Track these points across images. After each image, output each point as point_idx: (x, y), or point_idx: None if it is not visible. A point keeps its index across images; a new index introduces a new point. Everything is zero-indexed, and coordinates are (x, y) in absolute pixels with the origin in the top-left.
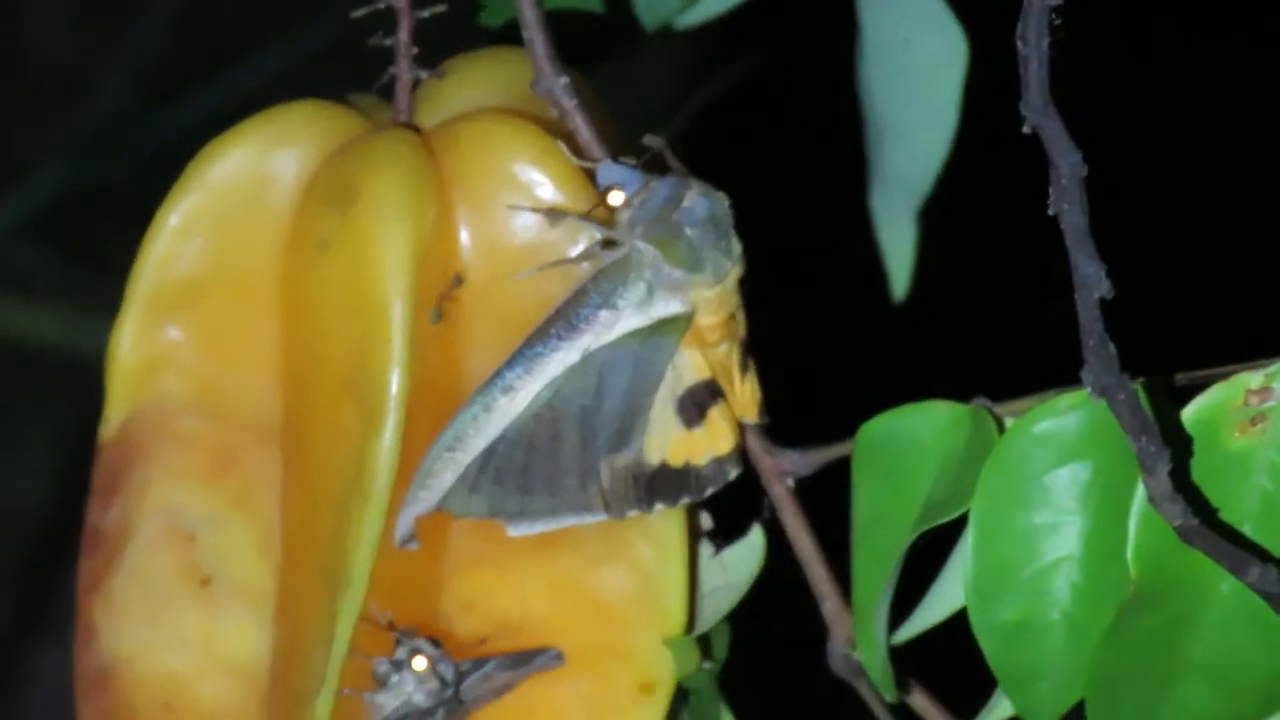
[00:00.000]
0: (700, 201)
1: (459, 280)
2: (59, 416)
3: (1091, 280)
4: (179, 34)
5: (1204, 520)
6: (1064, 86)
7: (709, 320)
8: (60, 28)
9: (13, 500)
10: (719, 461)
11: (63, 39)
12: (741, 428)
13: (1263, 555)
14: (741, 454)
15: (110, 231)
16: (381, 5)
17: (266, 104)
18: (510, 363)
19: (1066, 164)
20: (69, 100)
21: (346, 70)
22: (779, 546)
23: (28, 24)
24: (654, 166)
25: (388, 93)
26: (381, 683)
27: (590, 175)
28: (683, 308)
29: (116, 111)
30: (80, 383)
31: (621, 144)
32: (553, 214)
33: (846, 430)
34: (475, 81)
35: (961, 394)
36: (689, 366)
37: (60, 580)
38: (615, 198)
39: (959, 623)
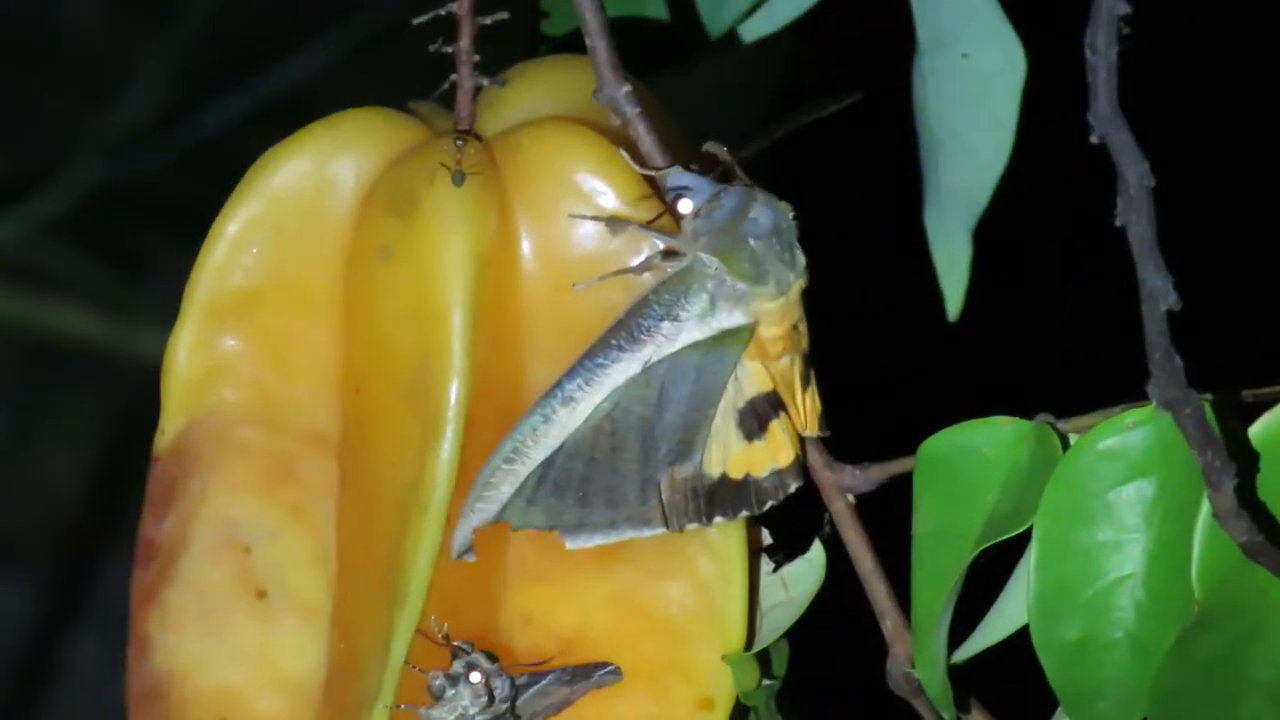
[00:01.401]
0: (765, 212)
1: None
2: (90, 412)
3: (1159, 293)
4: (215, 30)
5: (1269, 537)
6: (1129, 95)
7: (771, 332)
8: (96, 23)
9: (45, 494)
10: (779, 474)
11: (99, 34)
12: (802, 441)
13: None
14: (802, 467)
15: (144, 228)
16: (443, 11)
17: (303, 102)
18: (570, 374)
19: (1134, 174)
20: (104, 96)
21: (385, 69)
22: (839, 563)
23: (63, 19)
24: (719, 176)
25: (447, 100)
26: (437, 697)
27: (653, 184)
28: (745, 319)
29: (151, 108)
30: (112, 378)
31: (685, 153)
32: (614, 223)
33: (905, 446)
34: (537, 89)
35: (1023, 410)
36: (751, 378)
37: (93, 573)
38: (684, 205)
39: (1019, 641)
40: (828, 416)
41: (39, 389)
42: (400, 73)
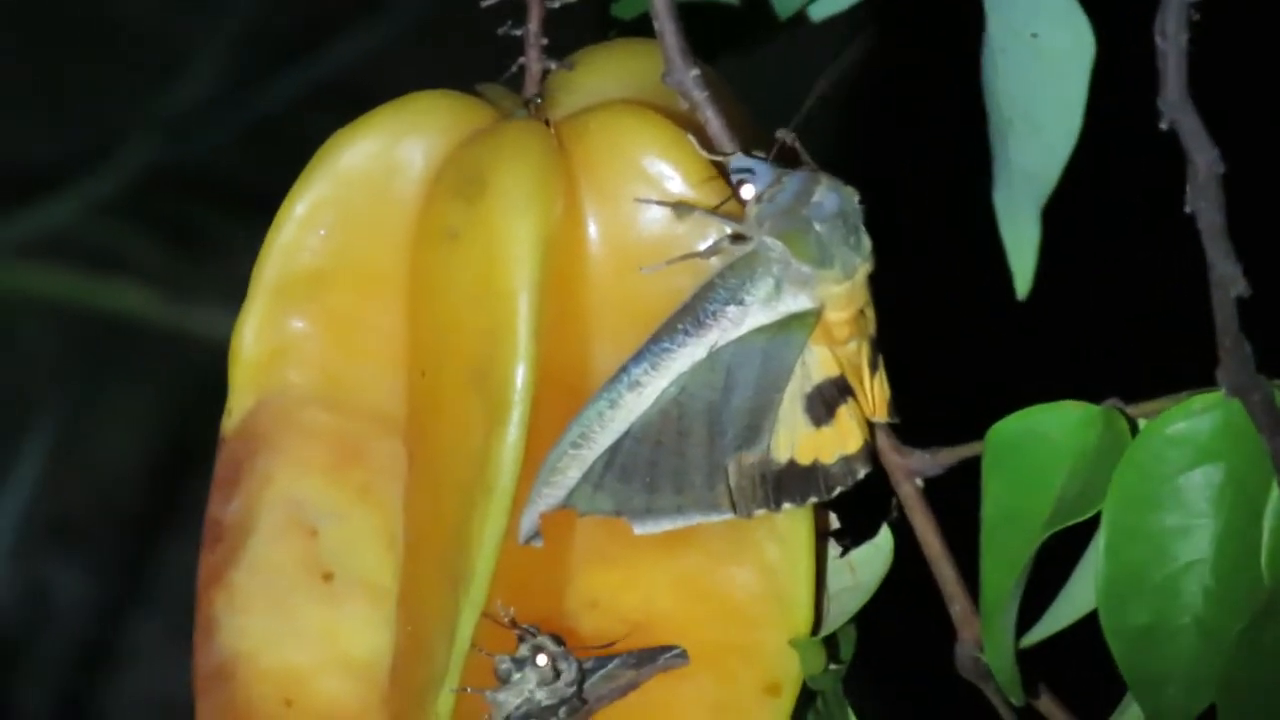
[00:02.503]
0: (830, 196)
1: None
2: (151, 392)
3: (1228, 279)
4: (274, 9)
5: None
6: (1199, 81)
7: (838, 316)
8: (154, 2)
9: (107, 473)
10: (847, 460)
11: (156, 14)
12: (870, 426)
13: None
14: (871, 453)
15: (202, 208)
16: None
17: (361, 82)
18: (637, 358)
19: (1204, 161)
20: (162, 76)
21: (443, 48)
22: (907, 547)
23: None
24: (785, 161)
25: (515, 83)
26: (503, 680)
27: (721, 169)
28: (811, 304)
29: (210, 87)
30: (171, 358)
31: (753, 137)
32: (681, 208)
33: (971, 429)
34: (605, 73)
35: (1091, 394)
36: (818, 363)
37: (156, 555)
38: (746, 191)
39: (1087, 625)
40: (896, 402)
41: (99, 369)
42: (459, 52)
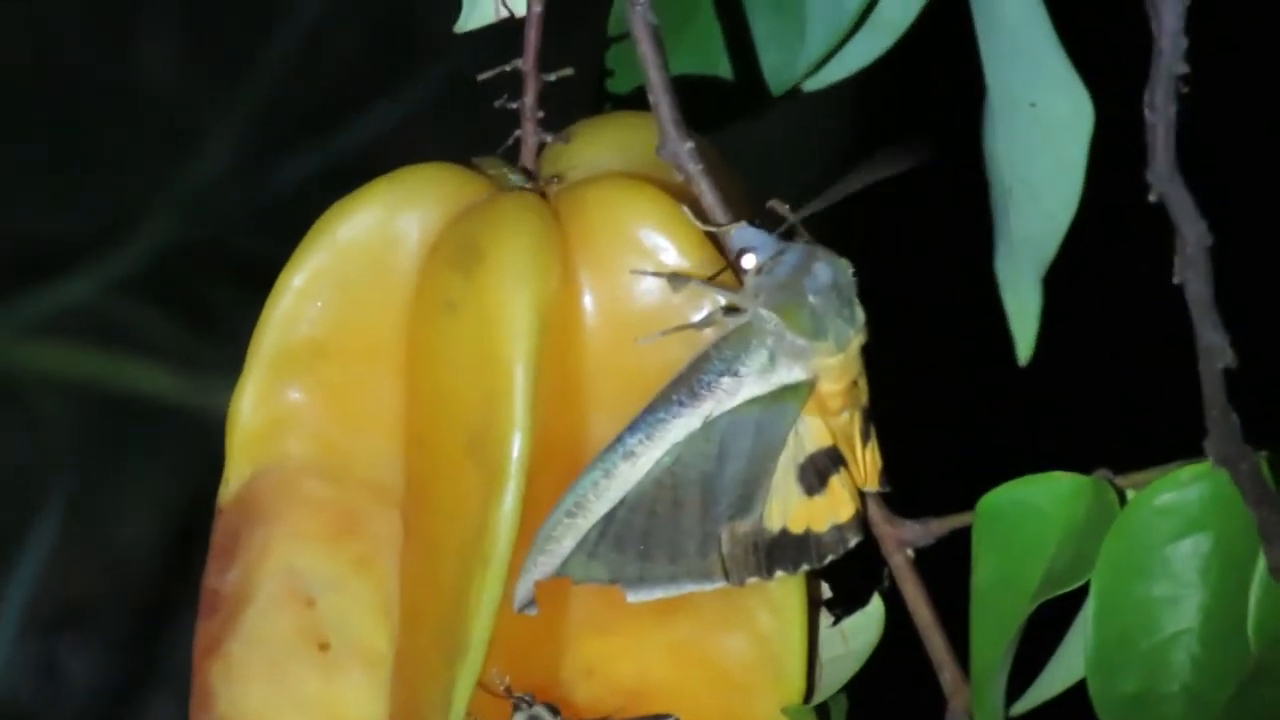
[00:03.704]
0: (824, 269)
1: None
2: (164, 469)
3: (1215, 350)
4: (289, 88)
5: None
6: (1190, 153)
7: (831, 388)
8: (171, 81)
9: (121, 552)
10: (840, 529)
11: (173, 92)
12: (862, 495)
13: None
14: (862, 522)
15: (218, 286)
16: (508, 68)
17: (376, 159)
18: (632, 428)
19: (1192, 233)
20: (178, 154)
21: (458, 126)
22: (898, 616)
23: (139, 77)
24: (774, 229)
25: (512, 155)
26: None
27: (715, 240)
28: (805, 375)
29: (225, 165)
30: (186, 435)
31: (748, 208)
32: (676, 279)
33: (965, 498)
34: (600, 145)
35: (1081, 464)
36: (811, 433)
37: (165, 632)
38: (747, 261)
39: (1077, 694)
40: (888, 472)
41: (112, 446)
42: (472, 129)
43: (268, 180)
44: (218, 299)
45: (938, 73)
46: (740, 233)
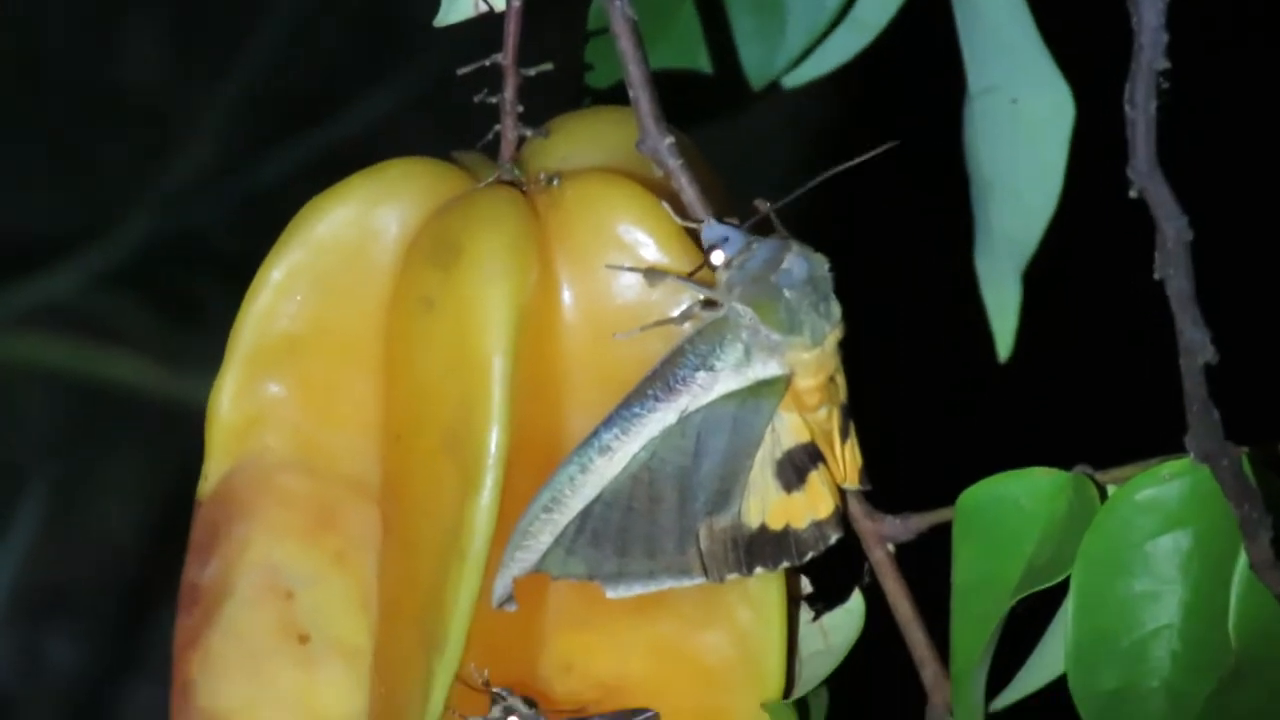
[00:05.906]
0: (799, 263)
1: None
2: (145, 461)
3: (1196, 346)
4: (272, 83)
5: None
6: (1170, 149)
7: (807, 383)
8: (154, 76)
9: (104, 541)
10: (819, 525)
11: (156, 87)
12: (842, 492)
13: None
14: (842, 518)
15: (199, 280)
16: (488, 63)
17: (358, 154)
18: (608, 423)
19: (1172, 228)
20: (161, 149)
21: (439, 121)
22: (878, 611)
23: (122, 72)
24: (759, 227)
25: (491, 150)
26: None
27: (694, 235)
28: (780, 370)
29: (208, 160)
30: (168, 429)
31: (727, 204)
32: (653, 274)
33: (946, 494)
34: (580, 140)
35: (1062, 459)
36: (788, 429)
37: (147, 622)
38: (717, 257)
39: (1057, 689)
40: (868, 467)
41: (95, 438)
42: (455, 124)
43: (250, 175)
44: (200, 293)
45: (918, 69)
46: (709, 229)
